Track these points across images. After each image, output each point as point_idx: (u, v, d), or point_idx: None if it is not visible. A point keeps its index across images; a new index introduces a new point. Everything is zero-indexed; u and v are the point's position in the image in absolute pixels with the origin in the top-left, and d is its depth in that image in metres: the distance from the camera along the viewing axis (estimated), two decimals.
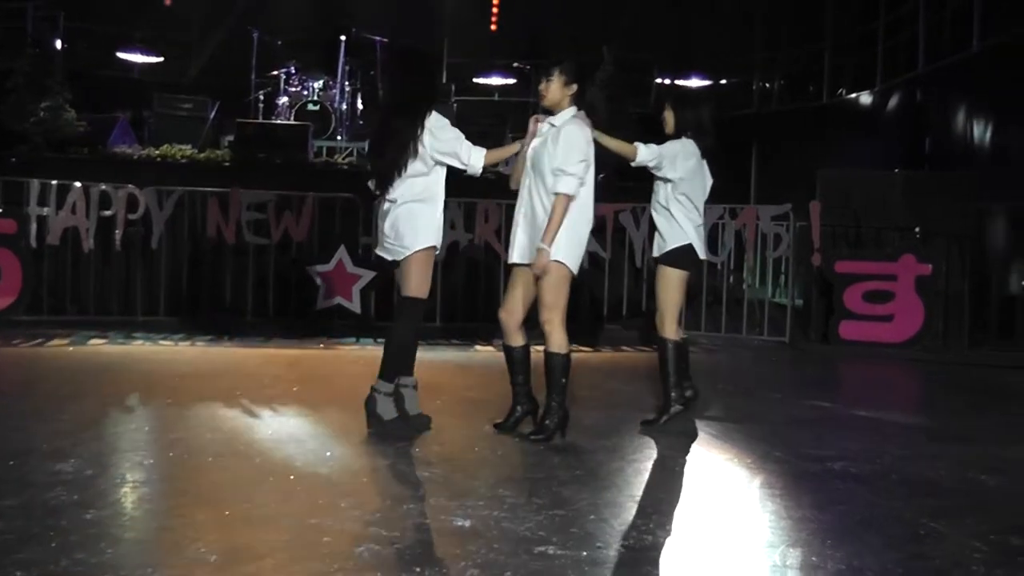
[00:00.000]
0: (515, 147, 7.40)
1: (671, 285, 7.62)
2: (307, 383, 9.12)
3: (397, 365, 7.11)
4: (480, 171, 7.13)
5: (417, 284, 7.07)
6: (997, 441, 7.76)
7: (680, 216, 7.55)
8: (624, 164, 7.46)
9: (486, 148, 7.17)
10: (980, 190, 13.54)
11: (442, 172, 7.09)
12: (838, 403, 9.50)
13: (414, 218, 6.99)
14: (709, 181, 7.79)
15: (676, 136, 7.63)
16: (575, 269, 6.98)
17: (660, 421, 7.57)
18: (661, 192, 7.61)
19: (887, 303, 12.57)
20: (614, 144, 7.30)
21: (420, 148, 6.92)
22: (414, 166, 6.95)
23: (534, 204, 6.94)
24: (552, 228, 6.79)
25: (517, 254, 7.04)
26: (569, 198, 6.81)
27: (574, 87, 6.99)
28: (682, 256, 7.57)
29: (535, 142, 7.03)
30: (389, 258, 7.17)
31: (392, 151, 7.00)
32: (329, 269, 12.43)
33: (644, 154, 7.43)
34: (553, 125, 6.96)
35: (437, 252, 7.17)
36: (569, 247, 6.90)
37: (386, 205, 7.08)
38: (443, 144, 6.97)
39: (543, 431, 6.98)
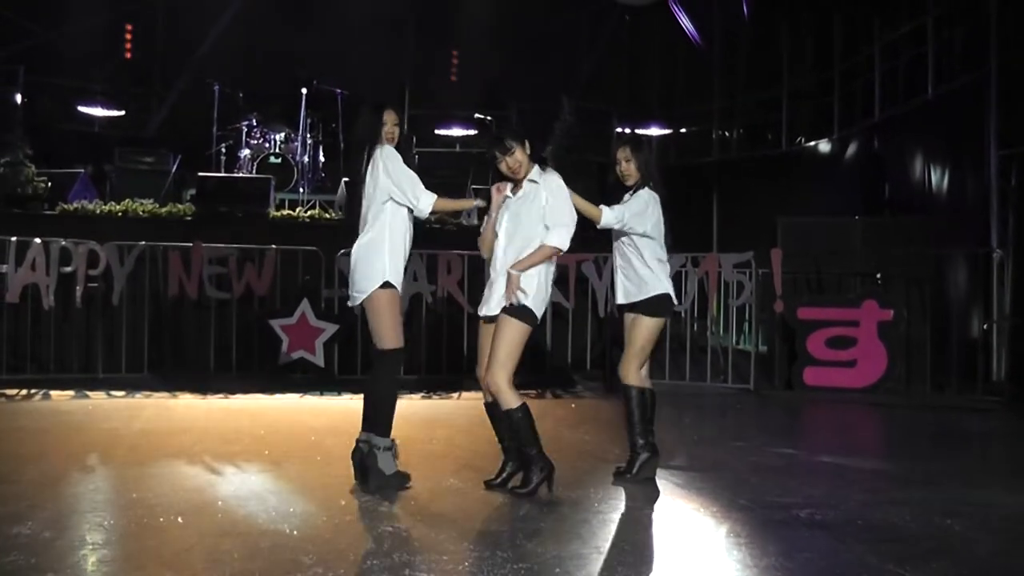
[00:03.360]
0: (469, 203, 7.41)
1: (646, 333, 7.60)
2: (270, 438, 9.06)
3: (388, 417, 7.07)
4: (427, 214, 7.10)
5: (387, 333, 7.04)
6: (961, 485, 7.78)
7: (656, 265, 7.55)
8: (583, 217, 7.44)
9: (437, 195, 7.16)
10: (939, 235, 13.65)
11: (401, 212, 7.06)
12: (803, 449, 9.50)
13: (367, 258, 6.99)
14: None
15: (638, 185, 7.60)
16: (539, 316, 6.99)
17: (632, 472, 7.54)
18: (633, 241, 7.59)
19: (850, 348, 12.64)
20: (582, 204, 7.27)
21: (373, 186, 6.93)
22: (372, 208, 6.96)
23: (508, 261, 6.94)
24: (528, 261, 6.83)
25: (495, 306, 7.01)
26: (556, 251, 6.86)
27: (528, 146, 7.02)
28: (660, 304, 7.57)
29: (511, 201, 7.03)
30: (351, 305, 7.17)
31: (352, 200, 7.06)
32: (292, 323, 12.37)
33: (609, 217, 7.38)
34: (534, 181, 6.96)
35: (399, 293, 7.12)
36: (537, 295, 6.91)
37: (352, 259, 7.10)
38: (393, 178, 6.95)
39: (527, 484, 6.95)
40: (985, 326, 13.39)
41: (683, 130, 22.71)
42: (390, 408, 7.10)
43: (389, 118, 7.13)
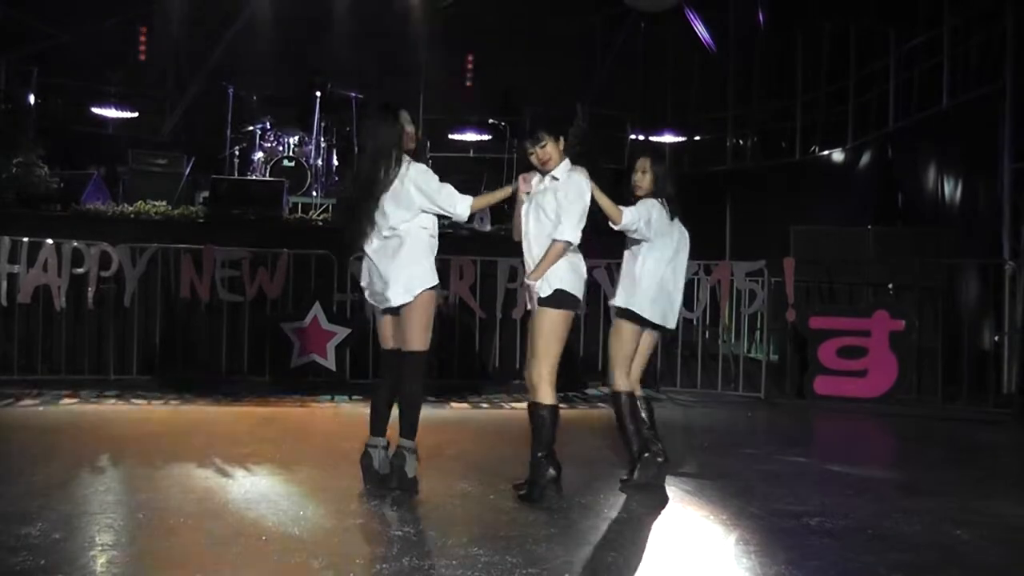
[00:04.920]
0: (502, 192, 7.44)
1: (617, 338, 7.64)
2: (280, 441, 9.07)
3: (416, 418, 7.08)
4: (466, 218, 7.19)
5: (419, 335, 7.06)
6: (971, 495, 7.76)
7: (647, 276, 7.56)
8: (599, 222, 7.45)
9: (472, 196, 7.21)
10: (951, 246, 13.62)
11: (430, 218, 7.11)
12: (813, 458, 9.49)
13: (407, 265, 6.99)
14: (687, 241, 7.79)
15: (651, 196, 7.62)
16: (580, 297, 7.06)
17: (635, 477, 7.54)
18: (634, 248, 7.62)
19: (861, 358, 12.59)
20: (604, 202, 7.29)
21: (398, 199, 6.94)
22: (398, 214, 6.96)
23: (535, 252, 7.00)
24: (543, 267, 6.89)
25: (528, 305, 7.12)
26: (568, 245, 6.89)
27: (563, 141, 7.08)
28: (629, 311, 7.58)
29: (537, 193, 7.08)
30: (383, 307, 7.14)
31: (361, 201, 7.05)
32: (304, 326, 12.38)
33: (628, 219, 7.40)
34: (555, 178, 7.03)
35: (437, 294, 7.17)
36: (569, 279, 6.97)
37: (371, 257, 7.08)
38: (429, 195, 7.00)
39: (535, 488, 6.95)
40: (996, 338, 13.35)
41: (697, 138, 22.69)
42: (418, 409, 7.12)
43: (405, 119, 7.15)
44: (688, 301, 12.66)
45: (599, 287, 12.74)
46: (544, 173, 7.10)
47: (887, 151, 17.29)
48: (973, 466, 9.51)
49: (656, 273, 7.58)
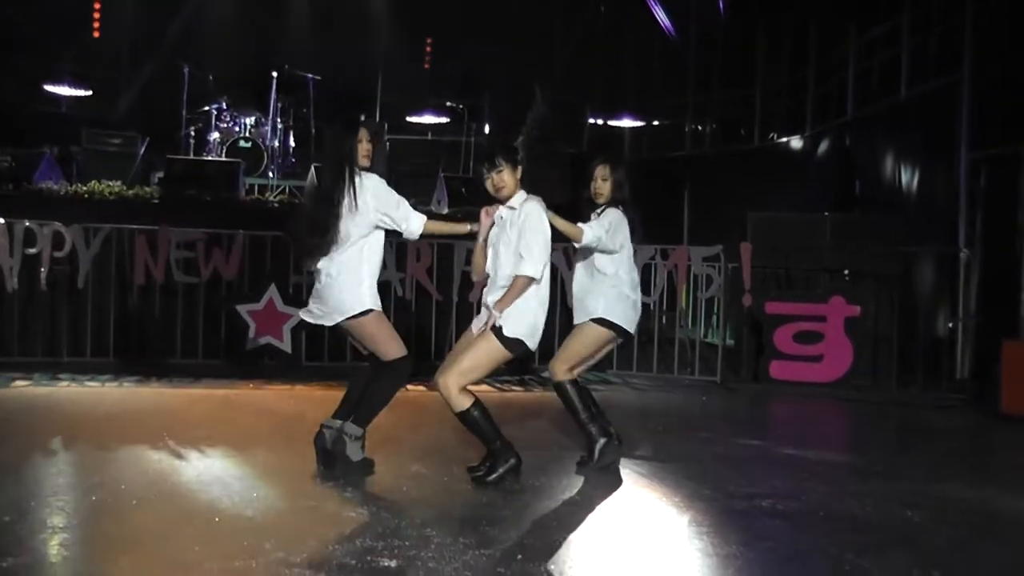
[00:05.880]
0: (460, 228, 7.41)
1: (586, 340, 7.62)
2: (235, 423, 9.03)
3: (373, 414, 7.08)
4: (417, 236, 7.14)
5: (389, 346, 7.06)
6: (923, 478, 7.83)
7: (617, 282, 7.55)
8: (554, 206, 7.40)
9: (427, 216, 7.20)
10: (907, 233, 13.71)
11: (379, 235, 7.06)
12: (768, 441, 9.54)
13: (345, 283, 6.94)
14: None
15: (608, 204, 7.59)
16: (531, 346, 6.95)
17: (594, 459, 7.54)
18: (601, 258, 7.58)
19: (817, 343, 12.67)
20: (562, 225, 7.25)
21: (358, 209, 6.89)
22: (350, 230, 6.91)
23: (500, 283, 6.91)
24: (507, 301, 6.78)
25: (475, 330, 6.97)
26: (531, 280, 6.80)
27: (520, 169, 7.02)
28: (606, 321, 7.57)
29: (495, 230, 7.03)
30: (329, 323, 7.09)
31: (321, 219, 6.98)
32: (259, 308, 12.30)
33: (590, 236, 7.36)
34: (512, 208, 6.95)
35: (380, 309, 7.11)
36: (528, 324, 6.88)
37: (323, 276, 7.03)
38: (386, 208, 6.95)
39: (492, 472, 6.92)
40: (950, 324, 13.46)
41: (656, 123, 22.67)
42: (380, 408, 7.12)
43: (363, 135, 7.09)
44: (645, 286, 12.67)
45: (555, 269, 12.72)
46: (500, 201, 7.03)
47: (845, 139, 17.36)
48: (926, 450, 9.60)
49: (628, 279, 7.60)
